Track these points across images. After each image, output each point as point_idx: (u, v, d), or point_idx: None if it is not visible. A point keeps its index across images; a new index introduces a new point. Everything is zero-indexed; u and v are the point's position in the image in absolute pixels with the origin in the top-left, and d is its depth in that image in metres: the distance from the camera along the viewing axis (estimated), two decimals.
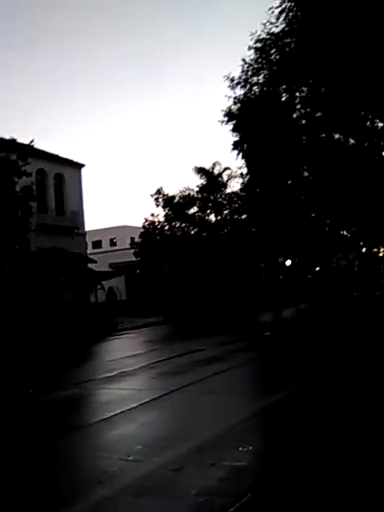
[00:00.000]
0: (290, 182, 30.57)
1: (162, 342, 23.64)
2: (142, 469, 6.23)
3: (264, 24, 24.38)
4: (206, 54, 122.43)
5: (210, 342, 19.42)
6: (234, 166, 47.10)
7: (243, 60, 25.76)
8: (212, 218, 49.86)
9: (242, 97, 26.95)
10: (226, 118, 27.93)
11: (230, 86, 26.69)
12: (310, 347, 17.00)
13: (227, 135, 64.47)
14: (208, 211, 49.37)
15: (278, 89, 25.94)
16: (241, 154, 28.78)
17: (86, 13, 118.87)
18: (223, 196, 49.23)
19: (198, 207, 48.85)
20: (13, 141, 27.03)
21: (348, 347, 16.13)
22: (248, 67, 25.93)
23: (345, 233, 50.62)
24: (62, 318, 27.81)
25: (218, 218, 49.53)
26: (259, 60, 25.56)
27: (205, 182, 48.98)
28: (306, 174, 30.66)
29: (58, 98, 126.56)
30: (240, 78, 26.33)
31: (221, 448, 6.74)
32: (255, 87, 26.55)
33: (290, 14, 23.48)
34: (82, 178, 40.38)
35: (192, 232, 48.69)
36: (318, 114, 26.17)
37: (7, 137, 27.04)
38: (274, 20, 23.94)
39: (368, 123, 26.20)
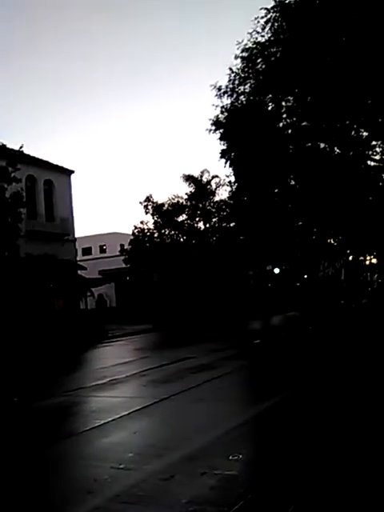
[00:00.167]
0: (276, 190, 30.72)
1: (152, 349, 23.68)
2: (133, 477, 6.25)
3: (250, 33, 24.54)
4: (195, 62, 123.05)
5: (200, 350, 19.49)
6: (222, 174, 47.47)
7: (230, 69, 25.90)
8: (201, 225, 50.05)
9: (229, 106, 27.06)
10: (213, 127, 28.05)
11: (217, 95, 26.81)
12: (300, 355, 17.15)
13: (215, 143, 64.54)
14: (197, 219, 49.52)
15: (265, 98, 26.08)
16: (228, 163, 28.89)
17: (75, 18, 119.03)
18: (212, 204, 49.39)
19: (186, 215, 49.00)
20: (2, 146, 27.03)
21: (336, 354, 16.29)
22: (235, 76, 26.05)
23: (331, 241, 50.89)
24: (51, 325, 27.76)
25: (207, 225, 49.68)
26: (246, 69, 25.68)
27: (193, 190, 49.13)
28: (292, 182, 30.83)
29: (47, 105, 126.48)
30: (227, 87, 26.46)
31: (211, 456, 6.80)
32: (242, 96, 26.67)
33: (276, 24, 23.66)
34: (71, 185, 40.40)
35: (181, 239, 48.82)
36: (304, 124, 26.35)
37: None
38: (260, 30, 24.11)
39: (353, 132, 26.41)
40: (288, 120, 26.73)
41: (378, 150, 27.70)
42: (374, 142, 27.17)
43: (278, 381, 12.43)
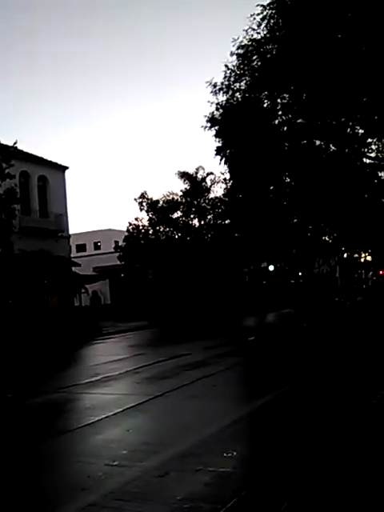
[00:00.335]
0: (272, 187, 30.70)
1: (146, 346, 23.67)
2: (128, 474, 6.25)
3: (246, 30, 24.45)
4: (190, 59, 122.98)
5: (195, 347, 19.48)
6: (217, 171, 47.35)
7: (226, 66, 25.81)
8: (196, 222, 50.02)
9: (224, 103, 26.97)
10: (208, 124, 27.94)
11: (212, 92, 26.70)
12: (294, 351, 17.17)
13: (210, 140, 64.49)
14: (192, 216, 49.52)
15: (260, 95, 26.01)
16: (223, 160, 28.81)
17: (71, 16, 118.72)
18: (207, 201, 49.37)
19: (181, 212, 48.99)
20: None
21: (331, 351, 16.32)
22: (230, 73, 25.97)
23: (326, 238, 50.98)
24: (46, 321, 27.71)
25: (202, 222, 49.68)
26: (241, 66, 25.60)
27: (188, 187, 49.09)
28: (287, 179, 30.81)
29: (42, 100, 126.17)
30: (222, 83, 26.36)
31: (206, 453, 6.79)
32: (237, 93, 26.61)
33: (272, 21, 23.61)
34: (65, 181, 40.34)
35: (176, 236, 48.80)
36: (300, 121, 26.33)
37: None
38: (255, 27, 24.02)
39: (349, 130, 26.41)
40: (283, 117, 26.68)
41: (373, 147, 27.73)
42: (369, 140, 27.18)
43: (273, 378, 12.44)
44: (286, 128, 26.77)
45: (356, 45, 20.76)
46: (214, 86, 26.43)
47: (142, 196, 47.58)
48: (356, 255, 69.29)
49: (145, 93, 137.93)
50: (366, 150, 27.79)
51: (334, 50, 21.17)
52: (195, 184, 49.06)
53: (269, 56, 24.40)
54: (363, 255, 71.32)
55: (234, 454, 6.69)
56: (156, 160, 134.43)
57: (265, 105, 26.26)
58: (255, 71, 25.16)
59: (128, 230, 47.81)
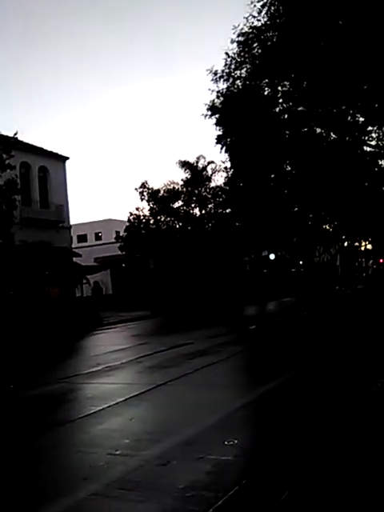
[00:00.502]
0: (272, 176, 30.64)
1: (148, 336, 23.68)
2: (130, 463, 6.25)
3: (246, 18, 24.36)
4: (191, 47, 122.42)
5: (196, 336, 19.49)
6: (218, 160, 47.24)
7: (226, 53, 25.73)
8: (196, 211, 50.01)
9: (224, 90, 26.90)
10: (209, 112, 27.87)
11: (213, 80, 26.63)
12: (296, 340, 17.19)
13: (211, 129, 64.40)
14: (193, 205, 49.50)
15: (261, 83, 25.93)
16: (224, 148, 28.76)
17: (72, 4, 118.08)
18: (207, 190, 49.32)
19: (182, 201, 48.96)
20: None
21: (332, 339, 16.33)
22: (231, 61, 25.88)
23: (327, 227, 50.94)
24: (47, 312, 27.75)
25: (203, 211, 49.65)
26: (242, 54, 25.51)
27: (189, 176, 49.03)
28: (288, 168, 30.75)
29: (42, 91, 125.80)
30: (223, 71, 26.29)
31: (208, 442, 6.81)
32: (238, 81, 26.53)
33: (272, 8, 23.51)
34: (66, 171, 40.30)
35: (177, 226, 48.77)
36: (300, 109, 26.25)
37: None
38: (256, 14, 23.94)
39: (349, 118, 26.33)
40: (284, 105, 26.61)
41: (374, 135, 27.64)
42: (370, 128, 27.09)
43: (275, 366, 12.45)
44: (286, 116, 26.71)
45: (357, 32, 20.64)
46: (215, 73, 26.35)
47: (143, 186, 47.52)
48: (356, 244, 69.28)
49: (145, 81, 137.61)
50: (366, 138, 27.71)
51: (335, 37, 21.08)
52: (196, 173, 48.98)
53: (269, 43, 24.31)
54: (364, 244, 71.31)
55: (236, 442, 6.69)
56: (157, 149, 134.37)
57: (265, 92, 26.19)
58: (256, 59, 25.07)
59: (129, 220, 47.77)
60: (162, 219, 48.25)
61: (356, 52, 20.76)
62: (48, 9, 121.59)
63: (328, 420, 7.38)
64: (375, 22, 19.78)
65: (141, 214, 47.79)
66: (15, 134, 27.68)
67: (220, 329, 22.09)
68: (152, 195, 47.58)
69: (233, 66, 26.02)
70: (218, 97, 27.26)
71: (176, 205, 48.78)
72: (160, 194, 47.82)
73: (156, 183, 51.17)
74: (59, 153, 39.69)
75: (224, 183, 44.28)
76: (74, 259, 38.51)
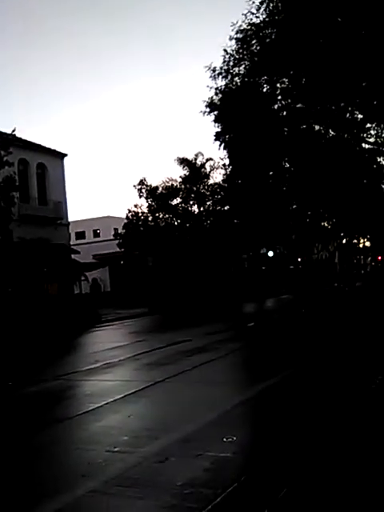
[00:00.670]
0: (271, 173, 30.64)
1: (146, 333, 23.68)
2: (128, 460, 6.25)
3: (245, 14, 24.32)
4: (189, 44, 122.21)
5: (195, 333, 19.49)
6: (216, 157, 47.34)
7: (225, 50, 25.70)
8: (195, 209, 50.00)
9: (223, 87, 26.88)
10: (207, 109, 27.86)
11: (211, 77, 26.61)
12: (294, 337, 17.21)
13: (209, 126, 64.47)
14: (191, 202, 49.49)
15: (259, 80, 25.91)
16: (223, 145, 28.78)
17: (70, 2, 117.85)
18: (206, 187, 49.32)
19: (180, 198, 48.94)
20: None
21: (330, 336, 16.34)
22: (229, 58, 25.86)
23: (325, 224, 50.97)
24: (45, 309, 27.72)
25: (201, 209, 49.65)
26: (240, 50, 25.49)
27: (187, 173, 49.00)
28: (287, 165, 30.74)
29: (40, 88, 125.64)
30: (221, 68, 26.27)
31: (206, 439, 6.81)
32: (236, 78, 26.51)
33: (271, 5, 23.47)
34: (64, 168, 40.26)
35: (175, 223, 48.75)
36: (299, 106, 26.23)
37: None
38: (254, 10, 23.90)
39: (348, 115, 26.32)
40: (283, 102, 26.59)
41: (372, 132, 27.65)
42: (368, 125, 27.09)
43: (273, 363, 12.46)
44: (285, 113, 26.69)
45: (355, 29, 20.61)
46: (213, 70, 26.33)
47: (141, 183, 47.51)
48: (355, 241, 69.32)
49: (143, 78, 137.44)
50: (365, 135, 27.72)
51: (334, 35, 21.05)
52: (194, 170, 48.96)
53: (268, 40, 24.27)
54: (362, 241, 71.34)
55: (234, 439, 6.69)
56: (155, 146, 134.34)
57: (264, 89, 26.17)
58: (254, 56, 25.04)
59: (127, 217, 47.77)
60: (161, 216, 48.25)
61: (355, 49, 20.73)
62: (47, 7, 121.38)
63: (326, 417, 7.39)
64: (374, 19, 19.75)
65: (139, 211, 47.80)
66: (13, 130, 27.68)
67: (218, 326, 22.10)
68: (150, 192, 47.56)
69: (231, 63, 26.00)
70: (216, 94, 27.24)
71: (174, 202, 48.78)
72: (158, 191, 47.81)
73: (154, 180, 51.09)
74: (57, 150, 39.66)
75: (222, 180, 44.29)
76: (73, 256, 38.49)
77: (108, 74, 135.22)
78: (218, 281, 46.06)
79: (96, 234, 65.41)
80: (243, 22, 24.64)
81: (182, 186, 49.05)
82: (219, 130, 28.17)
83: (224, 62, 26.02)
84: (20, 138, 31.66)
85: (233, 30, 24.96)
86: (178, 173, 55.61)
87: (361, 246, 74.48)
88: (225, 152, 30.11)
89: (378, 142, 27.92)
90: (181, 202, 49.13)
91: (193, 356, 14.13)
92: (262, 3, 23.41)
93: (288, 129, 27.26)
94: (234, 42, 25.24)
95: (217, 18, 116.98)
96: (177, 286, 43.22)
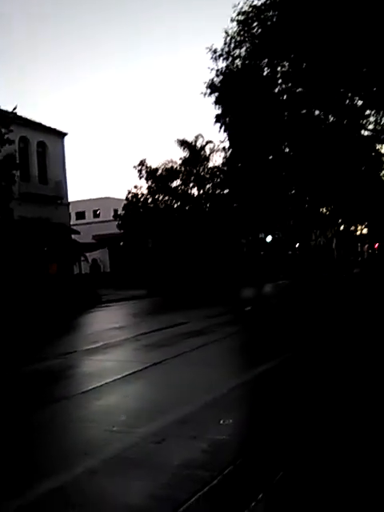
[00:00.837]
0: (271, 157, 30.58)
1: (146, 314, 23.78)
2: (126, 440, 6.33)
3: None
4: (191, 25, 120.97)
5: (194, 316, 19.59)
6: (216, 140, 47.22)
7: (226, 32, 25.64)
8: (194, 191, 49.91)
9: (224, 69, 26.81)
10: (208, 90, 27.80)
11: (212, 58, 26.58)
12: (292, 321, 17.31)
13: (210, 108, 64.11)
14: (191, 185, 49.38)
15: (260, 63, 25.83)
16: (223, 128, 28.71)
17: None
18: (206, 170, 49.21)
19: (180, 180, 48.85)
20: None
21: (328, 321, 16.45)
22: (230, 40, 25.79)
23: (324, 210, 50.92)
24: (45, 289, 27.78)
25: (201, 191, 49.55)
26: (241, 33, 25.41)
27: (187, 155, 48.89)
28: (286, 149, 30.68)
29: (41, 66, 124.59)
30: (222, 50, 26.21)
31: (203, 421, 6.89)
32: (237, 60, 26.44)
33: None
34: (64, 147, 40.09)
35: (175, 205, 48.68)
36: (299, 90, 26.14)
37: None
38: None
39: (347, 101, 26.24)
40: (283, 85, 26.50)
41: (371, 119, 27.59)
42: (368, 112, 27.03)
43: (270, 346, 12.57)
44: (285, 96, 26.62)
45: (357, 14, 20.48)
46: (214, 52, 26.28)
47: (141, 164, 47.39)
48: (353, 228, 69.23)
49: (144, 59, 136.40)
50: (364, 121, 27.65)
51: (335, 19, 20.93)
52: (194, 152, 48.82)
53: (269, 23, 24.19)
54: (360, 228, 71.23)
55: (231, 421, 6.79)
56: (156, 127, 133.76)
57: (265, 72, 26.11)
58: (255, 38, 24.97)
59: (127, 199, 47.71)
60: (160, 198, 48.16)
61: (356, 35, 20.63)
62: None
63: (324, 401, 7.49)
64: (375, 4, 19.63)
65: (139, 192, 47.74)
66: (14, 108, 27.52)
67: (217, 309, 22.20)
68: (150, 174, 47.44)
69: (232, 45, 25.93)
70: (217, 75, 27.16)
71: (174, 184, 48.70)
72: (158, 173, 47.68)
73: (154, 162, 51.08)
74: (58, 128, 39.47)
75: (222, 163, 44.17)
76: (73, 236, 38.48)
77: (109, 54, 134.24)
78: (216, 264, 46.11)
79: (96, 215, 65.30)
80: (245, 3, 24.63)
81: (182, 168, 48.93)
82: (219, 112, 28.12)
83: (225, 43, 25.97)
84: (20, 116, 31.47)
85: (234, 12, 24.91)
86: (178, 155, 55.52)
87: (358, 233, 74.38)
88: (225, 135, 30.07)
89: (377, 129, 27.87)
90: (181, 185, 49.04)
91: (191, 338, 14.22)
92: None
93: (288, 113, 27.19)
94: (235, 24, 25.19)
95: None
96: (176, 269, 43.27)
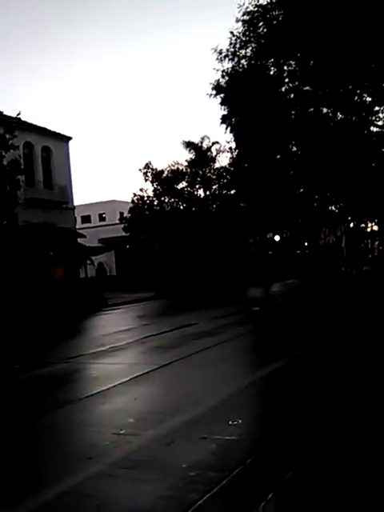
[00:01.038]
0: (278, 156, 30.49)
1: (153, 316, 23.69)
2: (134, 443, 6.25)
3: None
4: (196, 26, 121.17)
5: (201, 317, 19.49)
6: (222, 140, 47.07)
7: (231, 32, 25.59)
8: (201, 193, 49.89)
9: (230, 70, 26.77)
10: (214, 91, 27.76)
11: (218, 59, 26.53)
12: (300, 321, 17.18)
13: (216, 109, 64.18)
14: (197, 186, 49.35)
15: (266, 62, 25.77)
16: (229, 128, 28.67)
17: None
18: (212, 171, 49.14)
19: (186, 182, 48.78)
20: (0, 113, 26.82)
21: (337, 320, 16.31)
22: (236, 40, 25.75)
23: (333, 208, 50.73)
24: (51, 293, 27.76)
25: (207, 193, 49.49)
26: (247, 33, 25.36)
27: (193, 157, 48.85)
28: (294, 148, 30.58)
29: (45, 71, 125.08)
30: (228, 50, 26.17)
31: (212, 422, 6.79)
32: (243, 60, 26.40)
33: None
34: (69, 152, 40.16)
35: (181, 207, 48.62)
36: (306, 88, 26.06)
37: None
38: None
39: (356, 98, 26.11)
40: (290, 84, 26.45)
41: (381, 115, 27.48)
42: (377, 108, 26.92)
43: (278, 347, 12.45)
44: (292, 95, 26.55)
45: (365, 10, 20.36)
46: (220, 52, 26.24)
47: (147, 166, 47.34)
48: (362, 225, 68.97)
49: (149, 61, 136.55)
50: (373, 118, 27.51)
51: (342, 16, 20.81)
52: (200, 153, 48.77)
53: (275, 22, 24.12)
54: (370, 225, 70.94)
55: (240, 422, 6.68)
56: (161, 130, 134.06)
57: (271, 72, 26.05)
58: (261, 38, 24.91)
59: (133, 201, 47.67)
60: (166, 200, 48.11)
61: (364, 30, 20.50)
62: None
63: (334, 401, 7.36)
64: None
65: (145, 194, 47.72)
66: (18, 114, 27.60)
67: (225, 310, 22.11)
68: (156, 176, 47.40)
69: (238, 46, 25.88)
70: (223, 76, 27.12)
71: (180, 186, 48.64)
72: (164, 175, 47.64)
73: (160, 164, 51.07)
74: (62, 133, 39.50)
75: (229, 164, 44.11)
76: (78, 240, 38.48)
77: (113, 57, 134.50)
78: (224, 265, 46.03)
79: (102, 218, 65.40)
80: (250, 3, 24.58)
81: (188, 170, 48.88)
82: (225, 112, 28.06)
83: (230, 44, 25.93)
84: (25, 121, 31.57)
85: (239, 12, 24.86)
86: (183, 156, 55.52)
87: (368, 230, 74.08)
88: (231, 135, 30.02)
89: None
90: (187, 186, 48.98)
91: (199, 339, 14.12)
92: None
93: (295, 112, 27.12)
94: (240, 24, 25.16)
95: None
96: (183, 270, 43.21)
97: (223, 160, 48.70)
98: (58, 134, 39.07)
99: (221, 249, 47.21)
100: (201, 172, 49.02)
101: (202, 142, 49.06)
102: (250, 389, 8.56)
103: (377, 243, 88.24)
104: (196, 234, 45.19)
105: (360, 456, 5.36)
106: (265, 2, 24.35)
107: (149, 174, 47.33)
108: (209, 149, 49.11)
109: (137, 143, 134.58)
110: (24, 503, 4.85)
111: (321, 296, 26.62)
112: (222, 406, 7.50)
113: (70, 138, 40.12)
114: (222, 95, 27.58)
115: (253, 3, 24.54)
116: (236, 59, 26.42)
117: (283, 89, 26.66)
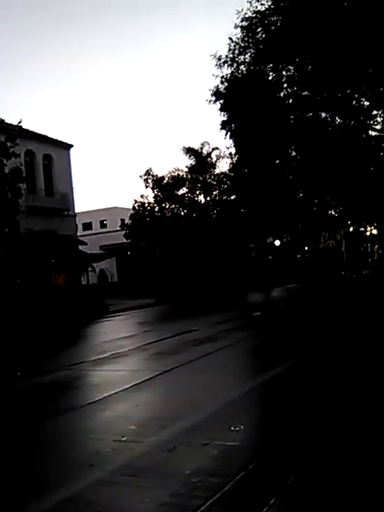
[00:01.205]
0: (277, 161, 30.54)
1: (154, 323, 23.68)
2: (136, 449, 6.25)
3: (250, 2, 24.35)
4: (194, 32, 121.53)
5: (202, 323, 19.48)
6: (222, 146, 47.21)
7: (230, 38, 25.67)
8: (201, 198, 49.94)
9: (229, 76, 26.84)
10: (213, 98, 27.83)
11: (217, 65, 26.61)
12: (301, 326, 17.16)
13: (215, 114, 64.30)
14: (197, 192, 49.41)
15: (265, 68, 25.86)
16: (229, 134, 28.75)
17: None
18: (212, 176, 49.20)
19: (187, 188, 48.86)
20: (0, 121, 26.83)
21: (338, 325, 16.29)
22: (234, 46, 25.83)
23: (332, 212, 50.75)
24: (53, 300, 27.75)
25: (208, 198, 49.53)
26: (246, 38, 25.44)
27: (194, 163, 48.92)
28: (293, 153, 30.63)
29: (46, 79, 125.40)
30: (227, 56, 26.26)
31: (213, 428, 6.79)
32: (242, 66, 26.49)
33: None
34: (70, 159, 40.19)
35: (182, 213, 48.67)
36: (305, 93, 26.14)
37: None
38: None
39: (354, 102, 26.19)
40: (289, 90, 26.52)
41: (379, 119, 27.55)
42: (374, 112, 27.00)
43: (279, 352, 12.44)
44: (291, 101, 26.63)
45: (362, 15, 20.44)
46: (219, 58, 26.32)
47: (147, 173, 47.42)
48: (362, 229, 68.97)
49: (149, 68, 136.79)
50: (371, 122, 27.60)
51: (340, 21, 20.90)
52: (200, 159, 48.86)
53: (273, 28, 24.20)
54: (369, 229, 70.91)
55: (241, 427, 6.68)
56: (161, 136, 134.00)
57: (270, 77, 26.12)
58: (260, 43, 24.99)
59: (134, 208, 47.73)
60: (167, 206, 48.16)
61: (361, 35, 20.57)
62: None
63: (335, 406, 7.36)
64: (380, 5, 19.58)
65: (145, 201, 47.77)
66: (19, 122, 27.56)
67: (226, 315, 22.08)
68: (156, 182, 47.47)
69: (237, 51, 25.97)
70: (222, 82, 27.19)
71: (181, 192, 48.70)
72: (164, 181, 47.71)
73: (161, 170, 51.14)
74: (63, 140, 39.56)
75: (229, 170, 44.19)
76: (80, 247, 38.51)
77: (112, 64, 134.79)
78: (225, 270, 46.03)
79: (103, 225, 65.41)
80: (248, 9, 24.64)
81: (189, 176, 48.95)
82: (225, 118, 28.13)
83: (229, 50, 26.02)
84: (26, 130, 31.56)
85: (238, 18, 24.94)
86: (184, 162, 55.60)
87: (368, 233, 74.05)
88: (231, 141, 30.09)
89: None
90: (187, 192, 49.04)
91: (200, 345, 14.11)
92: None
93: (294, 117, 27.18)
94: (239, 30, 25.24)
95: (222, 5, 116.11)
96: (184, 276, 43.20)
97: (223, 166, 48.90)
98: (59, 142, 39.12)
99: (221, 254, 47.23)
100: (201, 178, 49.08)
101: (202, 148, 49.20)
102: (251, 394, 8.56)
103: (376, 247, 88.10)
104: (197, 239, 45.22)
105: (361, 460, 5.36)
106: (263, 8, 24.45)
107: (149, 181, 47.42)
108: (209, 155, 49.22)
109: (137, 150, 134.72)
110: (25, 511, 4.86)
111: (321, 300, 26.57)
112: (223, 412, 7.51)
113: (71, 146, 40.17)
114: (221, 101, 27.65)
115: (251, 9, 24.64)
116: (235, 65, 26.52)
117: (282, 94, 26.73)
